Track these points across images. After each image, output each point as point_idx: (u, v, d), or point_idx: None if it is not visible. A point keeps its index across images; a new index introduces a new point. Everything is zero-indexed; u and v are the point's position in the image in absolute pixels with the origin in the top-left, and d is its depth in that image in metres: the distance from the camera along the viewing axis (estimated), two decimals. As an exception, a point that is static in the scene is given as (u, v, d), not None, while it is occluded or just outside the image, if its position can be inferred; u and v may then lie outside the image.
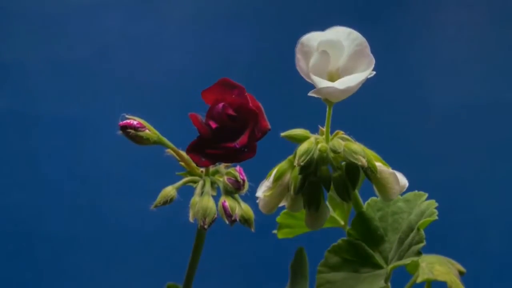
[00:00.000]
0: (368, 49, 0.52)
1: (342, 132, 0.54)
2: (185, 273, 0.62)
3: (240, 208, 0.56)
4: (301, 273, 0.63)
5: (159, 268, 1.26)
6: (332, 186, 0.53)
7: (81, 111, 1.30)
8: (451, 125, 1.30)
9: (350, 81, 0.50)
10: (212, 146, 0.55)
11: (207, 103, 0.55)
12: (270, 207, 0.56)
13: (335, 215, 0.61)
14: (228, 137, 0.54)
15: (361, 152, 0.51)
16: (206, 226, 0.55)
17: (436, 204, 0.54)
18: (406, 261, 0.51)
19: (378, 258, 0.55)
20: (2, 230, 1.27)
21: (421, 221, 0.52)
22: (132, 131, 0.57)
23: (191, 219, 0.55)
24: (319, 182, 0.53)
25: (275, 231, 0.64)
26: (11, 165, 1.29)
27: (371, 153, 0.53)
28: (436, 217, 0.52)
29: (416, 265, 0.61)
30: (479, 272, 1.23)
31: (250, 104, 0.54)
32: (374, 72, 0.51)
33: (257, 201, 0.56)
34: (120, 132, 0.57)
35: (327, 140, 0.53)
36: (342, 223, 0.62)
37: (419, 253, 0.51)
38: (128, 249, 1.28)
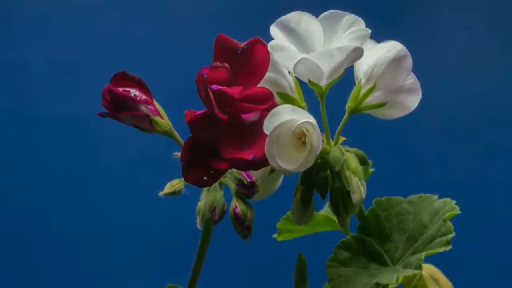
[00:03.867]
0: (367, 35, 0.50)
1: (343, 138, 0.52)
2: (185, 273, 0.61)
3: (251, 212, 0.51)
4: (301, 277, 0.63)
5: (160, 268, 1.26)
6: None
7: (81, 111, 1.29)
8: (451, 125, 1.30)
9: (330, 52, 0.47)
10: (214, 154, 0.43)
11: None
12: (266, 190, 0.53)
13: (336, 218, 0.61)
14: (234, 137, 0.44)
15: (360, 173, 0.49)
16: (216, 217, 0.49)
17: (454, 201, 0.55)
18: (439, 249, 0.52)
19: (385, 256, 0.55)
20: (2, 229, 1.27)
21: (446, 215, 0.53)
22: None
23: (198, 225, 0.52)
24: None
25: (275, 235, 0.64)
26: (11, 165, 1.29)
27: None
28: (459, 211, 0.53)
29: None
30: (479, 273, 1.23)
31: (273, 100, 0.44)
32: (357, 46, 0.47)
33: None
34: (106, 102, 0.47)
35: (328, 141, 0.52)
36: (343, 226, 0.62)
37: (448, 244, 0.52)
38: (129, 249, 1.28)
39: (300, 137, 0.48)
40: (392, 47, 0.51)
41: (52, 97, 1.30)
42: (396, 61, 0.51)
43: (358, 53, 0.48)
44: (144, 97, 0.48)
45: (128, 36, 1.32)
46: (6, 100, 1.30)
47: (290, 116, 0.47)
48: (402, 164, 1.24)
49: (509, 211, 1.27)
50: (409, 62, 0.51)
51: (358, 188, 0.49)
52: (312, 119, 0.48)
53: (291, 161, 0.47)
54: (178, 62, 1.30)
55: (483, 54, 1.33)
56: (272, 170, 0.53)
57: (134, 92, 0.48)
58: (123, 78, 0.48)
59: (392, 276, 0.51)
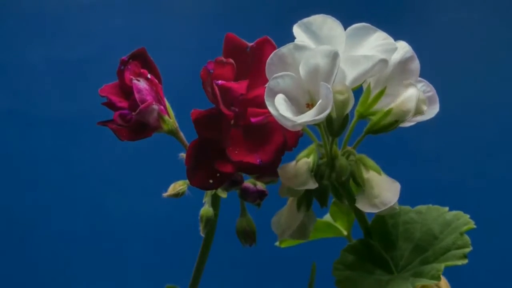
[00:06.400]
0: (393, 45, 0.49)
1: (350, 148, 0.51)
2: (185, 274, 0.61)
3: (261, 183, 0.49)
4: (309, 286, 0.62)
5: (160, 268, 1.26)
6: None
7: (81, 111, 1.29)
8: (451, 125, 1.30)
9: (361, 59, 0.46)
10: (219, 156, 0.41)
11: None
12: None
13: (337, 225, 0.61)
14: (241, 139, 0.42)
15: (379, 169, 0.49)
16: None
17: (468, 215, 0.54)
18: (456, 262, 0.52)
19: (390, 263, 0.55)
20: (2, 229, 1.27)
21: (461, 228, 0.53)
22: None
23: (201, 233, 0.52)
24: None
25: (277, 243, 0.63)
26: (12, 165, 1.29)
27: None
28: (474, 226, 0.53)
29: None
30: (479, 272, 1.23)
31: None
32: (384, 58, 0.47)
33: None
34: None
35: (335, 149, 0.51)
36: (345, 233, 0.61)
37: (465, 257, 0.52)
38: (129, 249, 1.28)
39: (308, 105, 0.46)
40: (400, 48, 0.50)
41: (52, 97, 1.30)
42: (402, 63, 0.50)
43: (382, 65, 0.47)
44: (155, 84, 0.47)
45: (129, 36, 1.32)
46: (6, 100, 1.30)
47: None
48: (400, 163, 1.24)
49: (509, 211, 1.27)
50: (415, 64, 0.50)
51: (391, 187, 0.48)
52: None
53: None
54: (180, 63, 1.30)
55: (483, 53, 1.33)
56: (299, 205, 0.51)
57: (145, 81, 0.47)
58: (139, 59, 0.47)
59: (407, 285, 0.50)
